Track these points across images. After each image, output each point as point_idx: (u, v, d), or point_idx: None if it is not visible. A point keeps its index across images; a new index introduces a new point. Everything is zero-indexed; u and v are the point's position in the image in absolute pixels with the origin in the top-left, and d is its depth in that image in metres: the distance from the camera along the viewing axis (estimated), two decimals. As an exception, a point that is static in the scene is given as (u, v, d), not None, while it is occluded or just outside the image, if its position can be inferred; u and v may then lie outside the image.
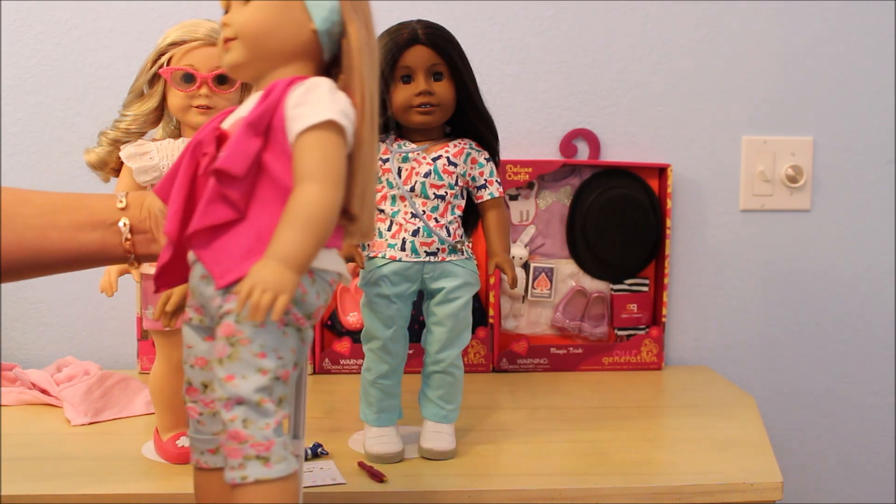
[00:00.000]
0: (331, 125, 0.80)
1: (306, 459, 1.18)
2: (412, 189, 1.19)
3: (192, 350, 0.86)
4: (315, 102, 0.80)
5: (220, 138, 0.84)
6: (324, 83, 0.82)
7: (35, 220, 0.92)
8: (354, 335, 1.56)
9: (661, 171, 1.62)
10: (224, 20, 0.86)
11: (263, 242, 0.79)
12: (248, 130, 0.80)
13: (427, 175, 1.20)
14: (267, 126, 0.81)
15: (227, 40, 0.86)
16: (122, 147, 1.21)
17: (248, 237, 0.80)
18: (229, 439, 0.78)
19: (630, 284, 1.64)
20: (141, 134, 1.22)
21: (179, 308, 0.93)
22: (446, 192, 1.20)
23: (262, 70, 0.86)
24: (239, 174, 0.79)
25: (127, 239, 0.94)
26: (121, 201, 0.95)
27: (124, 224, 0.94)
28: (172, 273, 0.87)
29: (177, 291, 0.95)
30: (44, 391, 1.43)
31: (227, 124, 0.86)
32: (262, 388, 0.78)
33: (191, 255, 0.84)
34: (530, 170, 1.58)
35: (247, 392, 0.77)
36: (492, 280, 1.57)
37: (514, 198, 1.61)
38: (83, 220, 0.93)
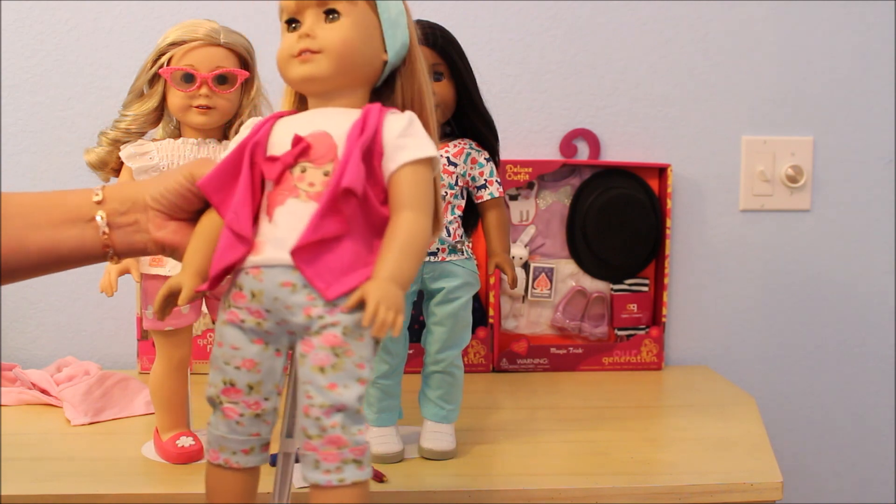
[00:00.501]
0: (430, 160, 0.87)
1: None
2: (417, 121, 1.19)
3: (239, 352, 0.86)
4: (418, 136, 0.87)
5: (304, 148, 0.86)
6: (416, 119, 0.89)
7: (12, 221, 0.90)
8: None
9: (661, 171, 1.62)
10: (306, 31, 0.88)
11: (359, 259, 0.84)
12: (361, 153, 0.84)
13: (427, 175, 1.20)
14: (370, 150, 0.86)
15: (308, 52, 0.87)
16: (122, 147, 1.21)
17: (346, 254, 0.84)
18: (327, 444, 0.82)
19: (630, 284, 1.64)
20: (141, 134, 1.23)
21: (170, 303, 0.91)
22: (446, 192, 1.20)
23: (335, 87, 0.89)
24: (360, 193, 0.84)
25: (104, 233, 0.92)
26: (97, 194, 0.93)
27: (101, 218, 0.92)
28: (225, 271, 0.87)
29: (171, 285, 0.92)
30: (44, 391, 1.43)
31: (304, 132, 0.87)
32: (361, 397, 0.84)
33: (256, 259, 0.85)
34: (530, 170, 1.58)
35: (350, 400, 0.83)
36: (492, 280, 1.57)
37: (514, 198, 1.61)
38: (60, 217, 0.92)
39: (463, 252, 1.22)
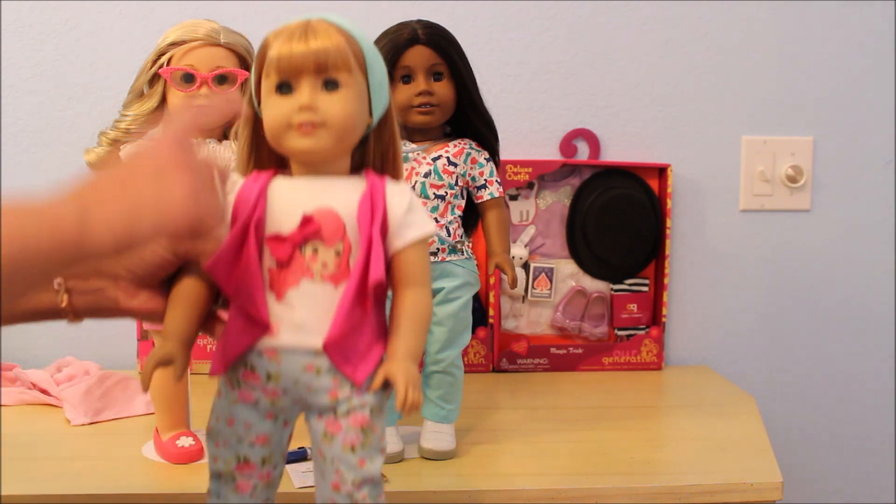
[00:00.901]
0: (429, 234, 0.89)
1: (306, 459, 1.18)
2: (412, 189, 1.19)
3: (253, 429, 0.87)
4: (420, 212, 0.88)
5: (311, 227, 0.85)
6: (413, 193, 0.92)
7: None
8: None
9: (661, 171, 1.62)
10: (308, 103, 0.84)
11: (376, 335, 0.87)
12: (380, 237, 0.85)
13: (427, 175, 1.20)
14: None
15: (311, 125, 0.84)
16: (121, 147, 1.21)
17: (366, 333, 0.86)
18: None
19: (630, 284, 1.64)
20: (141, 134, 1.22)
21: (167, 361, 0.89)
22: (446, 192, 1.20)
23: (333, 156, 0.88)
24: (385, 283, 0.86)
25: (62, 300, 0.87)
26: None
27: (58, 284, 0.87)
28: (237, 348, 0.86)
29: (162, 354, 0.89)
30: (44, 391, 1.43)
31: (309, 207, 0.86)
32: (382, 466, 0.87)
33: (273, 343, 0.85)
34: (530, 170, 1.58)
35: (375, 472, 0.86)
36: (492, 280, 1.57)
37: (514, 198, 1.61)
38: None
39: (463, 252, 1.22)
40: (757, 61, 1.64)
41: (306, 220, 0.85)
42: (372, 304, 0.85)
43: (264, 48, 0.87)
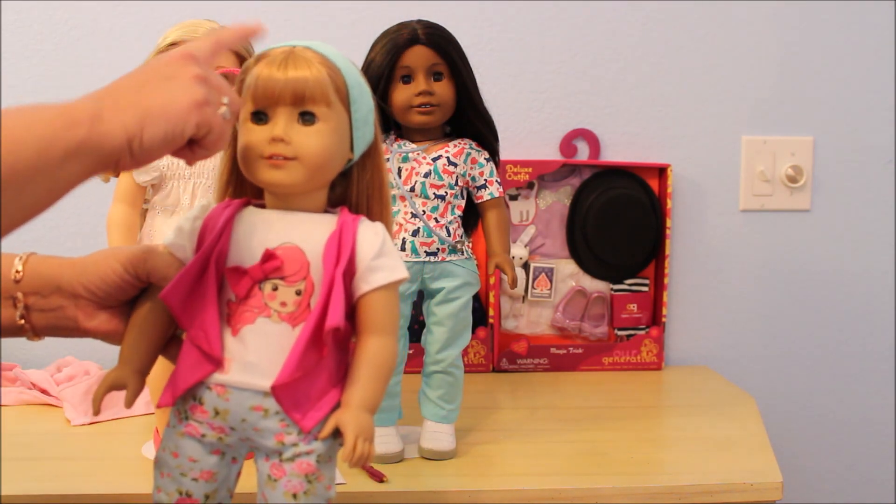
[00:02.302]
0: (400, 281, 0.85)
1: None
2: (412, 189, 1.19)
3: (197, 464, 0.85)
4: (391, 256, 0.84)
5: (276, 266, 0.83)
6: (387, 234, 0.86)
7: None
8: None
9: (661, 171, 1.62)
10: (280, 136, 0.82)
11: (332, 381, 0.84)
12: (343, 276, 0.82)
13: (427, 175, 1.20)
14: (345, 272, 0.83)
15: (281, 157, 0.82)
16: (122, 147, 1.21)
17: (320, 379, 0.83)
18: None
19: (630, 284, 1.64)
20: (141, 134, 1.22)
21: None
22: (446, 192, 1.20)
23: (305, 190, 0.85)
24: (344, 328, 0.82)
25: (21, 316, 0.85)
26: (17, 270, 0.85)
27: (18, 300, 0.84)
28: (187, 381, 0.84)
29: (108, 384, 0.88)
30: (44, 391, 1.43)
31: (273, 243, 0.83)
32: (338, 483, 0.86)
33: (223, 378, 0.83)
34: (530, 170, 1.58)
35: None
36: (492, 280, 1.57)
37: (514, 198, 1.61)
38: None
39: (463, 252, 1.22)
40: (757, 61, 1.64)
41: (268, 256, 0.82)
42: (330, 349, 0.82)
43: (244, 72, 0.85)
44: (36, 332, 0.87)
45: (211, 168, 1.19)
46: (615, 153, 1.64)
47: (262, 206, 0.87)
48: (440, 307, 1.20)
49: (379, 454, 1.18)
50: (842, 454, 1.73)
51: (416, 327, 1.35)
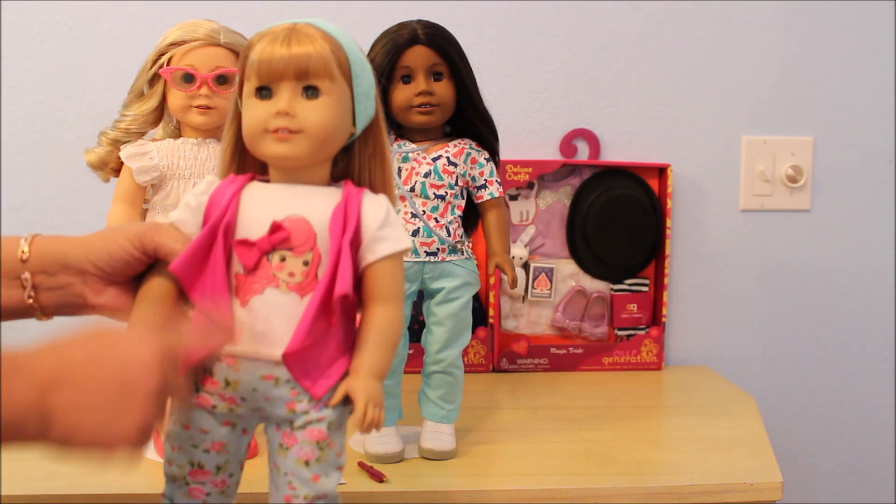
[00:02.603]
0: (404, 251, 0.87)
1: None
2: (412, 189, 1.19)
3: (209, 436, 0.86)
4: (396, 226, 0.86)
5: (284, 237, 0.84)
6: (391, 205, 0.87)
7: None
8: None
9: (661, 171, 1.62)
10: (284, 109, 0.83)
11: (341, 350, 0.85)
12: (350, 247, 0.83)
13: (427, 175, 1.20)
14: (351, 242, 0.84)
15: (286, 130, 0.83)
16: (122, 147, 1.22)
17: (329, 347, 0.84)
18: None
19: (630, 284, 1.64)
20: (141, 134, 1.23)
21: None
22: (446, 192, 1.20)
23: (310, 164, 0.86)
24: (352, 295, 0.83)
25: (30, 296, 0.86)
26: (23, 250, 0.86)
27: (26, 279, 0.85)
28: (197, 352, 0.85)
29: None
30: (44, 391, 1.43)
31: (280, 215, 0.84)
32: (338, 483, 0.86)
33: (234, 349, 0.84)
34: (530, 170, 1.58)
35: (330, 489, 0.85)
36: (492, 280, 1.57)
37: (514, 198, 1.61)
38: None
39: (463, 252, 1.22)
40: (757, 61, 1.64)
41: (276, 227, 0.84)
42: (338, 317, 0.83)
43: (248, 49, 0.86)
44: (44, 312, 0.87)
45: (212, 168, 1.19)
46: (615, 153, 1.64)
47: (267, 182, 0.88)
48: (440, 307, 1.20)
49: (379, 454, 1.18)
50: (842, 454, 1.73)
51: (416, 327, 1.34)
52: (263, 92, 0.84)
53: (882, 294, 1.70)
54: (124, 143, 1.22)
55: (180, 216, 0.89)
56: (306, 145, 0.84)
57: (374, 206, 0.86)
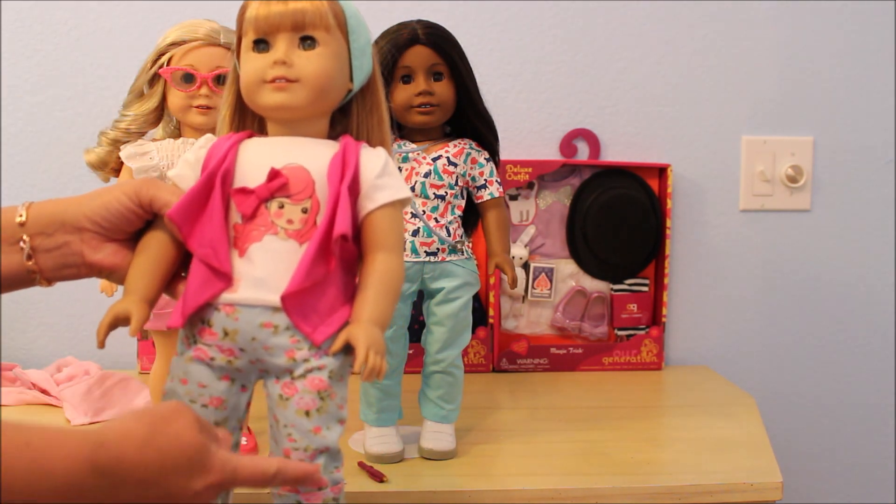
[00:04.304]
0: (403, 201, 0.87)
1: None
2: (412, 189, 1.19)
3: (207, 390, 0.85)
4: (396, 176, 0.87)
5: (282, 184, 0.84)
6: (389, 157, 0.88)
7: None
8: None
9: (661, 171, 1.62)
10: (282, 58, 0.84)
11: (338, 298, 0.84)
12: (349, 194, 0.84)
13: (427, 175, 1.20)
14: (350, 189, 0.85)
15: (284, 80, 0.84)
16: (122, 147, 1.22)
17: (329, 294, 0.84)
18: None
19: (630, 284, 1.64)
20: (141, 134, 1.23)
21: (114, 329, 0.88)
22: (446, 192, 1.20)
23: (308, 115, 0.87)
24: (351, 238, 0.83)
25: (29, 256, 0.85)
26: (20, 215, 0.86)
27: (24, 242, 0.85)
28: (196, 301, 0.84)
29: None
30: (44, 391, 1.43)
31: (278, 163, 0.85)
32: (340, 436, 0.85)
33: (232, 297, 0.83)
34: (530, 170, 1.58)
35: (332, 442, 0.84)
36: (492, 280, 1.57)
37: (514, 198, 1.61)
38: None
39: (463, 252, 1.22)
40: (757, 61, 1.64)
41: (274, 174, 0.84)
42: (337, 263, 0.83)
43: (244, 6, 0.87)
44: (45, 277, 0.87)
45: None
46: (615, 153, 1.64)
47: (265, 137, 0.89)
48: (440, 307, 1.20)
49: (379, 454, 1.18)
50: (842, 454, 1.73)
51: (416, 327, 1.35)
52: (261, 45, 0.86)
53: (882, 294, 1.70)
54: (124, 143, 1.22)
55: (179, 171, 0.89)
56: (304, 94, 0.85)
57: (372, 156, 0.87)
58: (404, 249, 0.88)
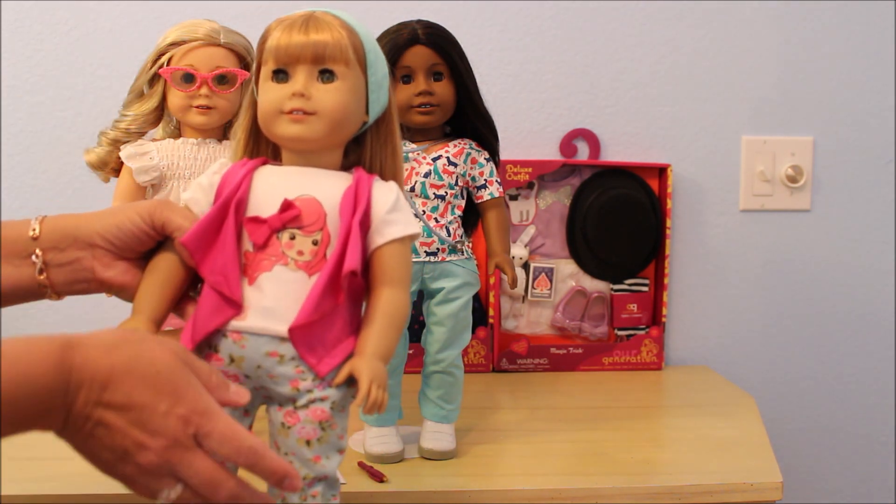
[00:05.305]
0: (413, 237, 0.88)
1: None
2: (412, 189, 1.19)
3: None
4: (405, 211, 0.88)
5: (295, 215, 0.85)
6: (401, 192, 0.89)
7: None
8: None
9: (661, 171, 1.62)
10: (300, 90, 0.85)
11: (346, 330, 0.85)
12: (360, 229, 0.84)
13: (427, 175, 1.20)
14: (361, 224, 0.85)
15: (302, 112, 0.85)
16: (122, 147, 1.22)
17: (335, 326, 0.85)
18: None
19: (630, 284, 1.64)
20: (141, 134, 1.23)
21: None
22: (446, 192, 1.20)
23: (323, 147, 0.88)
24: (360, 273, 0.84)
25: (41, 271, 0.86)
26: (33, 229, 0.87)
27: (37, 256, 0.86)
28: (206, 327, 0.85)
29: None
30: (44, 391, 1.43)
31: (292, 194, 0.85)
32: (338, 465, 0.86)
33: (240, 325, 0.84)
34: (530, 170, 1.58)
35: (331, 471, 0.85)
36: (492, 280, 1.57)
37: (514, 198, 1.61)
38: None
39: (463, 252, 1.22)
40: (757, 61, 1.64)
41: (287, 205, 0.85)
42: (345, 296, 0.84)
43: (266, 35, 0.88)
44: (55, 290, 0.88)
45: (211, 168, 1.19)
46: (615, 153, 1.64)
47: (279, 165, 0.90)
48: (440, 307, 1.20)
49: (379, 454, 1.18)
50: (842, 454, 1.73)
51: (416, 327, 1.35)
52: (280, 75, 0.87)
53: (882, 294, 1.70)
54: (124, 143, 1.22)
55: (192, 195, 0.90)
56: (321, 127, 0.86)
57: (384, 191, 0.88)
58: (410, 283, 0.89)
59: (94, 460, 0.76)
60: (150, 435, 0.73)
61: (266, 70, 0.87)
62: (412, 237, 0.88)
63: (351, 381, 0.84)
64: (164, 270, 0.88)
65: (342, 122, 0.87)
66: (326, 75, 0.86)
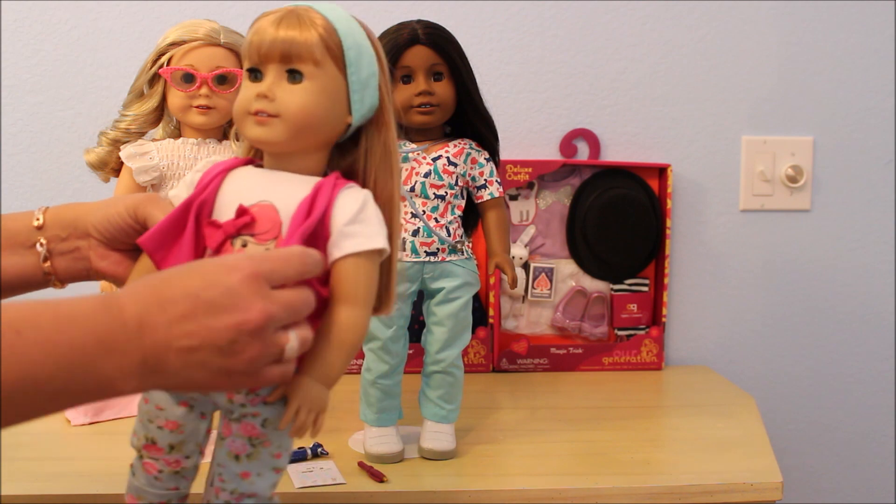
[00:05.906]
0: (378, 251, 0.82)
1: (306, 459, 1.18)
2: (412, 189, 1.19)
3: (163, 413, 0.85)
4: (369, 223, 0.82)
5: (248, 222, 0.82)
6: (370, 198, 0.83)
7: None
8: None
9: (661, 171, 1.62)
10: (264, 92, 0.82)
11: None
12: (301, 242, 0.79)
13: (427, 175, 1.20)
14: (314, 235, 0.81)
15: (264, 114, 0.82)
16: (122, 147, 1.22)
17: None
18: None
19: (630, 284, 1.64)
20: (141, 134, 1.23)
21: None
22: (446, 192, 1.20)
23: (294, 150, 0.84)
24: (315, 284, 0.80)
25: (45, 259, 0.87)
26: (37, 219, 0.88)
27: (41, 245, 0.87)
28: None
29: None
30: (44, 391, 1.43)
31: (250, 200, 0.82)
32: (274, 484, 0.84)
33: None
34: (530, 170, 1.58)
35: (262, 489, 0.83)
36: (492, 280, 1.57)
37: (514, 198, 1.61)
38: None
39: (463, 252, 1.22)
40: (757, 61, 1.64)
41: (241, 211, 0.82)
42: None
43: (249, 28, 0.85)
44: (59, 278, 0.89)
45: (211, 168, 1.19)
46: (615, 153, 1.64)
47: (259, 167, 0.87)
48: (440, 307, 1.20)
49: (379, 454, 1.18)
50: (842, 454, 1.73)
51: (416, 327, 1.35)
52: (255, 74, 0.83)
53: (882, 294, 1.70)
54: (124, 143, 1.22)
55: (176, 192, 0.89)
56: (283, 130, 0.82)
57: (347, 201, 0.82)
58: (371, 303, 0.83)
59: (202, 383, 0.73)
60: (235, 311, 0.71)
61: (245, 67, 0.85)
62: (376, 252, 0.82)
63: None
64: (150, 267, 0.86)
65: (309, 125, 0.82)
66: (295, 75, 0.82)
